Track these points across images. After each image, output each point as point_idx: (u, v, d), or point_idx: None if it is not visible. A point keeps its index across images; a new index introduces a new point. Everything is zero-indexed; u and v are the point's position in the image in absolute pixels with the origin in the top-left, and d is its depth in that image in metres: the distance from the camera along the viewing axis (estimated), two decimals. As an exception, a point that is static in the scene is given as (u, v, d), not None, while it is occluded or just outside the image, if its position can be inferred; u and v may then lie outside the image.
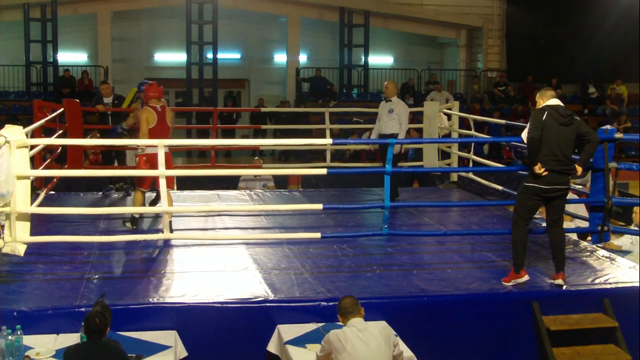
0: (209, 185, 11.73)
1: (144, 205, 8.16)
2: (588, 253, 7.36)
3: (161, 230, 7.12)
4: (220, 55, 20.85)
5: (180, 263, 6.84)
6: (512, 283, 6.25)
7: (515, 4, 21.97)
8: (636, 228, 8.41)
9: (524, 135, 6.39)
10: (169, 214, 7.10)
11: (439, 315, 5.97)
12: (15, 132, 5.96)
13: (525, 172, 6.56)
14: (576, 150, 6.57)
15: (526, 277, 6.26)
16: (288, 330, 5.51)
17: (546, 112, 6.15)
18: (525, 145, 6.38)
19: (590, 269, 6.84)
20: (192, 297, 5.83)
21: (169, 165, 7.43)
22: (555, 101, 6.27)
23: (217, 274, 6.52)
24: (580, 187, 8.39)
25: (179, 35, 21.07)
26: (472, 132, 10.68)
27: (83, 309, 5.38)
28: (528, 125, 6.31)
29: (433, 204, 9.69)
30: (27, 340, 5.10)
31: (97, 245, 7.20)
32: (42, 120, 8.89)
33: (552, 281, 6.29)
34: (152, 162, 7.41)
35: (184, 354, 5.42)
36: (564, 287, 6.24)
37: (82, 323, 4.81)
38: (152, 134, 7.64)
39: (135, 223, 8.02)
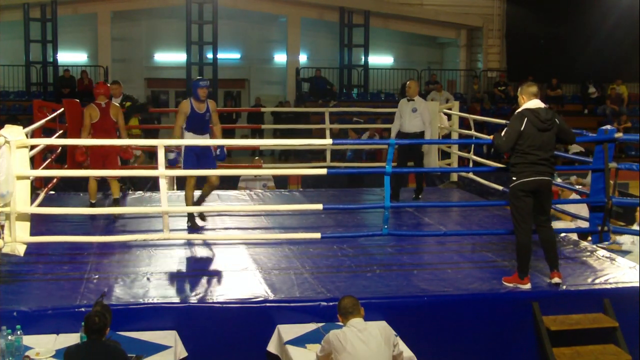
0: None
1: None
2: (588, 253, 7.35)
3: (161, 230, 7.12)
4: (220, 55, 20.86)
5: (180, 263, 6.84)
6: (512, 285, 6.24)
7: (515, 4, 21.97)
8: (637, 228, 8.42)
9: (503, 134, 6.30)
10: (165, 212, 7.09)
11: (439, 315, 5.97)
12: (15, 132, 5.96)
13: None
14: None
15: (528, 286, 6.21)
16: (288, 330, 5.51)
17: (526, 119, 6.11)
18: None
19: (590, 269, 6.84)
20: (192, 297, 5.84)
21: (113, 158, 8.57)
22: (536, 102, 6.21)
23: (217, 274, 6.52)
24: (580, 187, 8.40)
25: (179, 35, 21.08)
26: (472, 132, 10.68)
27: (83, 309, 5.38)
28: (506, 128, 6.26)
29: (433, 204, 9.69)
30: (27, 340, 5.10)
31: (97, 245, 7.20)
32: (42, 120, 8.89)
33: (549, 280, 6.28)
34: (92, 152, 8.37)
35: (184, 354, 5.42)
36: (564, 287, 6.25)
37: (82, 323, 4.80)
38: (95, 128, 8.53)
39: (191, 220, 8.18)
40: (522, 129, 6.10)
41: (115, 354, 4.61)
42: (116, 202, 8.84)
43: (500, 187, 9.22)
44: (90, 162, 8.46)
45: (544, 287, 6.26)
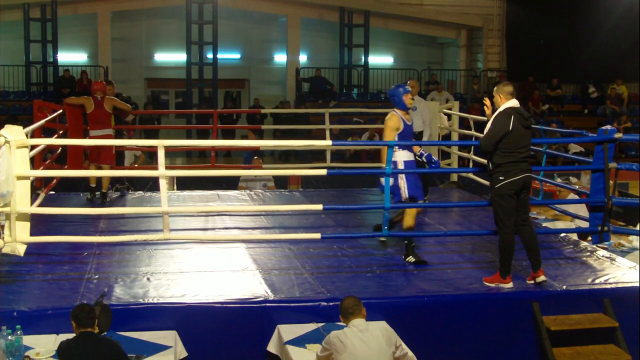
0: (209, 185, 11.73)
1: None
2: (588, 253, 7.35)
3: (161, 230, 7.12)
4: (220, 55, 20.86)
5: (180, 263, 6.84)
6: (494, 285, 6.24)
7: (515, 4, 21.98)
8: (637, 228, 8.42)
9: (486, 132, 6.28)
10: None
11: (439, 315, 5.97)
12: (15, 132, 5.96)
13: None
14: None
15: (510, 285, 6.22)
16: (288, 330, 5.52)
17: (513, 117, 6.11)
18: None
19: (590, 269, 6.84)
20: (192, 297, 5.83)
21: (109, 150, 9.37)
22: (515, 102, 6.23)
23: (217, 274, 6.52)
24: (579, 187, 8.39)
25: (179, 35, 21.08)
26: (472, 132, 10.68)
27: (83, 309, 5.38)
28: (489, 126, 6.22)
29: (433, 204, 9.69)
30: (27, 340, 5.10)
31: (97, 245, 7.20)
32: (42, 121, 8.90)
33: (533, 281, 6.25)
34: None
35: (184, 354, 5.42)
36: (564, 287, 6.25)
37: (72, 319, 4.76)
38: (91, 119, 9.45)
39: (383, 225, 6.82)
40: (510, 128, 6.10)
41: (109, 347, 4.63)
42: (104, 196, 9.51)
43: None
44: (88, 150, 9.55)
45: (544, 287, 6.26)
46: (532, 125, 6.45)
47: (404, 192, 6.88)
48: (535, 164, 6.87)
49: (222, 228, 8.32)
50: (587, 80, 21.45)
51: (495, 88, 6.38)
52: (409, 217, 7.03)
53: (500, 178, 6.18)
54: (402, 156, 6.89)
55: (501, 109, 6.21)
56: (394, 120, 6.83)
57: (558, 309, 6.09)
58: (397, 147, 6.83)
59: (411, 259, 6.90)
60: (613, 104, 20.72)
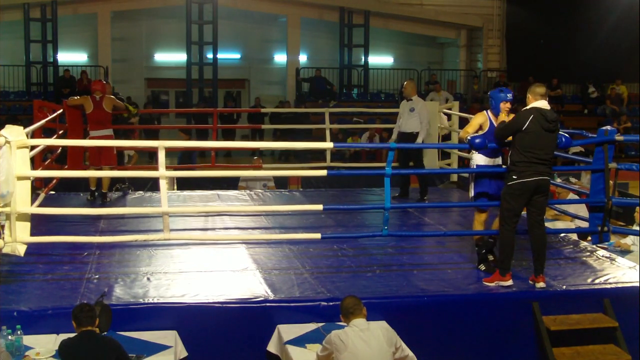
0: (209, 185, 11.72)
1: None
2: (588, 253, 7.36)
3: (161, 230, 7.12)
4: (220, 55, 20.86)
5: (180, 263, 6.84)
6: (494, 284, 6.24)
7: (515, 4, 21.98)
8: (637, 228, 8.41)
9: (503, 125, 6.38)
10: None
11: (439, 315, 5.97)
12: (15, 133, 5.96)
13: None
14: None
15: (510, 282, 6.22)
16: (288, 330, 5.52)
17: (532, 116, 6.13)
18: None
19: (590, 269, 6.85)
20: (192, 297, 5.84)
21: (110, 150, 9.29)
22: (543, 103, 6.23)
23: (217, 274, 6.52)
24: (578, 187, 8.39)
25: (179, 35, 21.08)
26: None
27: (83, 309, 5.38)
28: (509, 120, 6.36)
29: (433, 204, 9.70)
30: (27, 340, 5.10)
31: (97, 245, 7.20)
32: (43, 121, 8.90)
33: (532, 283, 6.25)
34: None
35: (184, 354, 5.42)
36: (564, 287, 6.26)
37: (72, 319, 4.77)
38: (90, 117, 9.39)
39: None
40: (524, 127, 6.12)
41: (110, 345, 4.64)
42: (104, 196, 9.44)
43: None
44: (88, 152, 9.54)
45: (544, 287, 6.26)
46: None
47: (470, 191, 6.96)
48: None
49: (222, 228, 8.32)
50: (587, 80, 21.45)
51: (529, 89, 6.40)
52: (475, 223, 6.97)
53: (514, 177, 6.21)
54: (478, 159, 6.83)
55: (526, 107, 6.27)
56: (479, 119, 6.70)
57: (558, 309, 6.09)
58: (474, 150, 6.76)
59: (482, 267, 6.75)
60: (613, 104, 20.72)
